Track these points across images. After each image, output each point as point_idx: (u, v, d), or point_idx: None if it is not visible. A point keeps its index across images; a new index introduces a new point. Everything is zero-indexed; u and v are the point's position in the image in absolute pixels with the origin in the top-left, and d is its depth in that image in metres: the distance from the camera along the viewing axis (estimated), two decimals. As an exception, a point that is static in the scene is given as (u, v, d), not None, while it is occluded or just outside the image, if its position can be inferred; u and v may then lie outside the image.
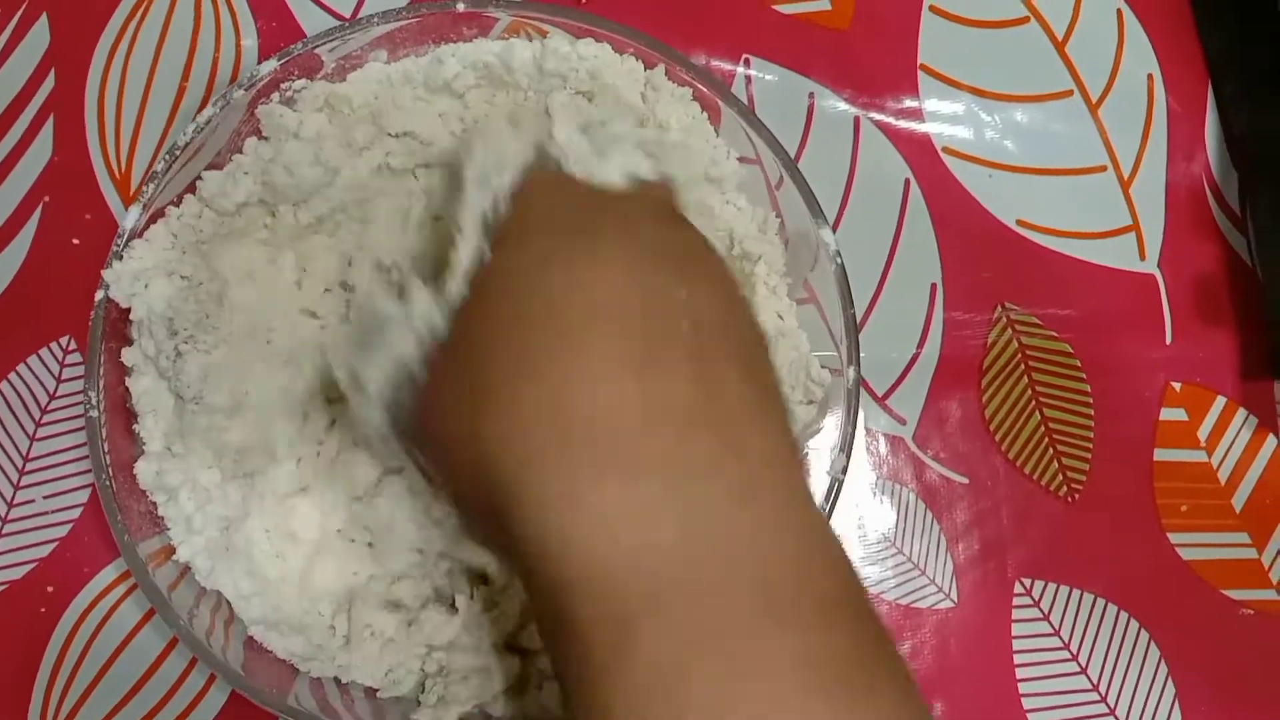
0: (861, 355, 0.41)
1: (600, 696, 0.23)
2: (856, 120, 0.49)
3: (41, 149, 0.47)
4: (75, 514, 0.45)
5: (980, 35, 0.50)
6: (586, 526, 0.24)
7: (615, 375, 0.25)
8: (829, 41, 0.49)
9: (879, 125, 0.49)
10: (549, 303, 0.26)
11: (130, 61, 0.48)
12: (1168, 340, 0.48)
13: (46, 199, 0.47)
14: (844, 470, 0.41)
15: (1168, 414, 0.47)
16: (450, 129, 0.43)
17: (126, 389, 0.42)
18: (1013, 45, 0.50)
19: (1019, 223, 0.48)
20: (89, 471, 0.44)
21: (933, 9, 0.50)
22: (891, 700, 0.24)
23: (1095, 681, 0.45)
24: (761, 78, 0.49)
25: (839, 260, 0.42)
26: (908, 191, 0.48)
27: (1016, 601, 0.45)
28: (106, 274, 0.41)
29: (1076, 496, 0.46)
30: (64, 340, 0.46)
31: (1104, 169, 0.49)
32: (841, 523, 0.45)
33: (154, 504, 0.41)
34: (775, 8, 0.49)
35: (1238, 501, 0.47)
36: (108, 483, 0.40)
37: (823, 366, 0.42)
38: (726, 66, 0.49)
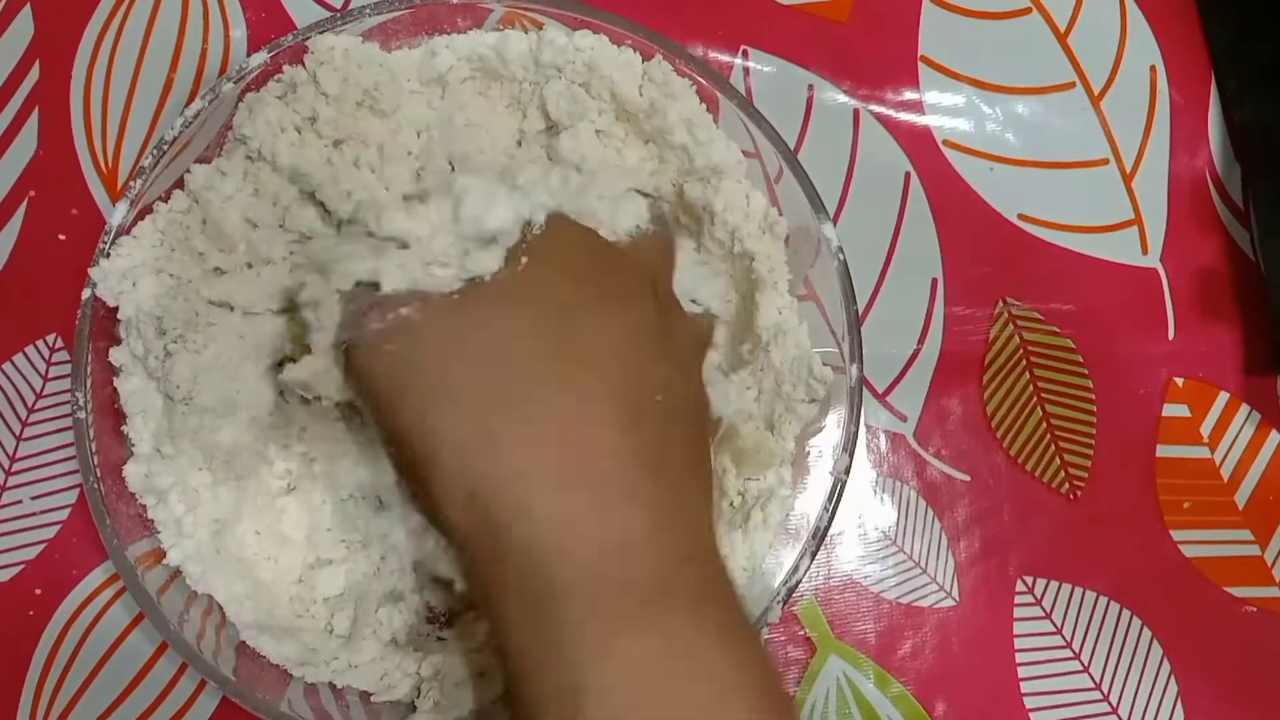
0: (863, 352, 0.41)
1: (572, 678, 0.28)
2: (856, 113, 0.48)
3: (26, 143, 0.47)
4: (63, 515, 0.44)
5: (982, 26, 0.49)
6: (587, 545, 0.29)
7: (612, 425, 0.30)
8: (828, 33, 0.49)
9: (879, 118, 0.48)
10: (571, 345, 0.31)
11: (116, 53, 0.47)
12: (1170, 335, 0.47)
13: (32, 194, 0.46)
14: (847, 470, 0.40)
15: (1170, 410, 0.47)
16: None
17: (115, 389, 0.41)
18: (1014, 37, 0.49)
19: (1020, 216, 0.48)
20: (77, 472, 0.43)
21: (934, 0, 0.49)
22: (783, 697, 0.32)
23: (1097, 680, 0.45)
24: (760, 69, 0.48)
25: (841, 256, 0.41)
26: (908, 185, 0.48)
27: (1018, 600, 0.45)
28: (93, 272, 0.40)
29: (1078, 494, 0.46)
30: (51, 339, 0.45)
31: (1106, 162, 0.48)
32: (841, 521, 0.45)
33: (143, 506, 0.40)
34: (774, -2, 0.49)
35: (1240, 498, 0.46)
36: (96, 485, 0.39)
37: (824, 364, 0.41)
38: (724, 58, 0.48)
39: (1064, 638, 0.45)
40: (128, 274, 0.40)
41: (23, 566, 0.44)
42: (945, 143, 0.48)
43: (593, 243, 0.34)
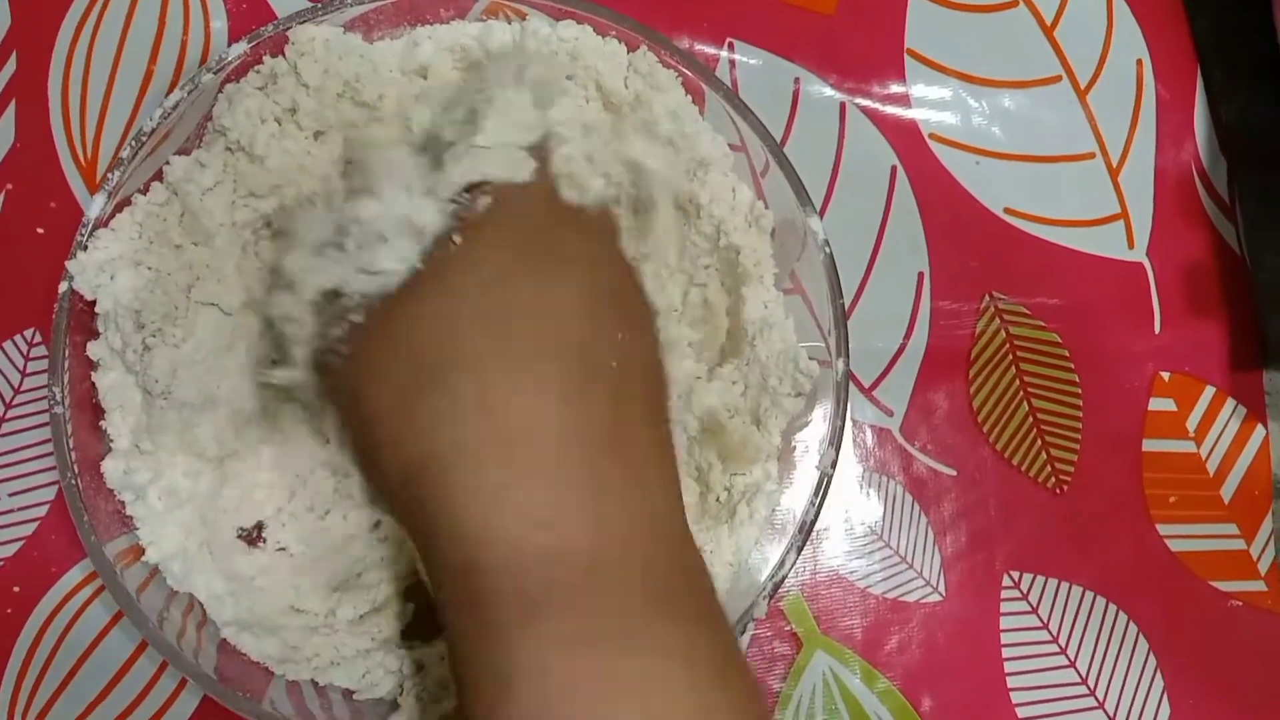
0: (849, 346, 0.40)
1: (505, 659, 0.27)
2: (842, 106, 0.48)
3: (3, 135, 0.46)
4: (42, 511, 0.43)
5: (968, 20, 0.49)
6: (514, 520, 0.28)
7: (550, 395, 0.29)
8: (815, 25, 0.48)
9: (865, 111, 0.48)
10: (507, 315, 0.29)
11: (95, 44, 0.47)
12: (1156, 329, 0.47)
13: (9, 187, 0.46)
14: (833, 464, 0.40)
15: (1156, 404, 0.47)
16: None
17: (93, 384, 0.40)
18: (1001, 30, 0.49)
19: (1007, 210, 0.48)
20: (55, 468, 0.42)
21: (920, -8, 0.49)
22: (747, 680, 0.30)
23: (1084, 674, 0.45)
24: (745, 62, 0.48)
25: (828, 250, 0.41)
26: (894, 179, 0.48)
27: (1004, 594, 0.45)
28: (70, 265, 0.40)
29: (1065, 488, 0.46)
30: (28, 333, 0.45)
31: (1092, 156, 0.48)
32: (827, 516, 0.45)
33: (122, 503, 0.40)
34: (760, -10, 0.48)
35: (1226, 492, 0.46)
36: (74, 482, 0.39)
37: (810, 358, 0.41)
38: (710, 50, 0.48)
39: (1050, 632, 0.45)
40: (105, 267, 0.40)
41: (1, 564, 0.43)
42: (932, 136, 0.48)
43: (541, 207, 0.32)
